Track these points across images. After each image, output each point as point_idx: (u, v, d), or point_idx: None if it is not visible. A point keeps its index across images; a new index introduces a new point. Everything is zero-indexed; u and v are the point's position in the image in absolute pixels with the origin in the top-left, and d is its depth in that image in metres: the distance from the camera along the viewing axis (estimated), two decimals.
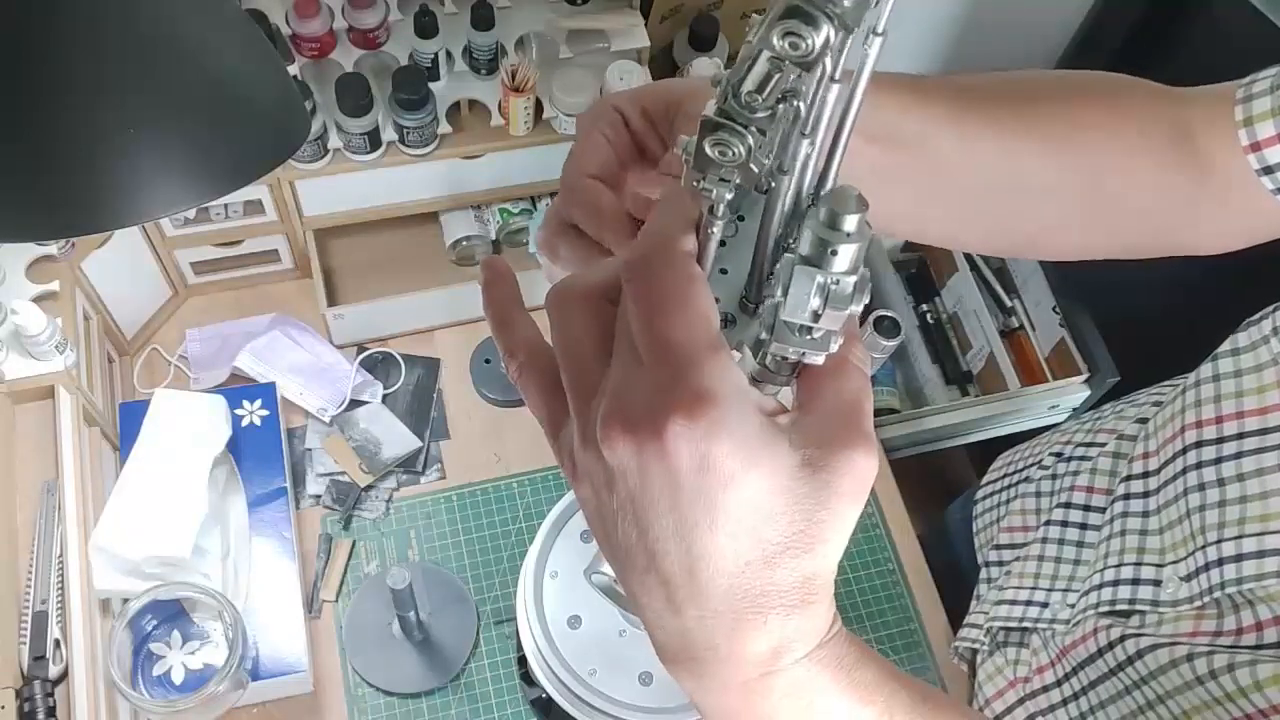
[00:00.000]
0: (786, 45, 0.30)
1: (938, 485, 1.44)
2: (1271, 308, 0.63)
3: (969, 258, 1.54)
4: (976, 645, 0.85)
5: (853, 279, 0.31)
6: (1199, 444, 0.65)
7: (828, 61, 0.30)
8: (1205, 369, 0.66)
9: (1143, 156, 0.58)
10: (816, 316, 0.31)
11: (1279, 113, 0.55)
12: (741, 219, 0.39)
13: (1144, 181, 0.58)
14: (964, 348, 1.53)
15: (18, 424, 0.89)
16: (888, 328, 1.09)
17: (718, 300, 0.37)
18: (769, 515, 0.32)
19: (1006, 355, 1.46)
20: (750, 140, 0.33)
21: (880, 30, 0.29)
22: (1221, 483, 0.62)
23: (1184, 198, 0.58)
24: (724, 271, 0.37)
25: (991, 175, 0.56)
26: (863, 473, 0.33)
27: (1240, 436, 0.62)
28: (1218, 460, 0.63)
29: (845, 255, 0.30)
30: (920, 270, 1.61)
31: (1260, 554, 0.58)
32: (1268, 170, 0.56)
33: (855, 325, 0.36)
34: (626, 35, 1.03)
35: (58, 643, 0.81)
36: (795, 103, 0.32)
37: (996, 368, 1.45)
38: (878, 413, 1.38)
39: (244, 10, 0.81)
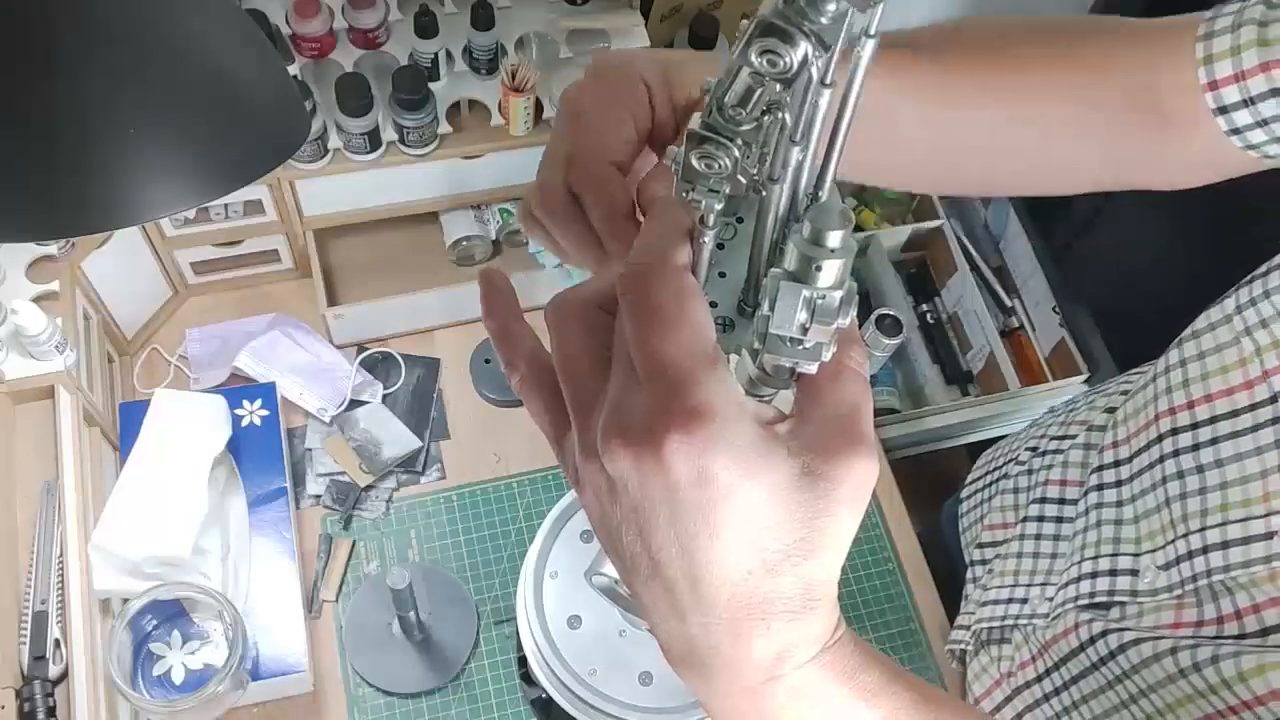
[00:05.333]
0: (765, 63, 0.30)
1: (937, 485, 1.44)
2: (1235, 286, 0.63)
3: (969, 259, 1.54)
4: (964, 646, 0.84)
5: (839, 293, 0.31)
6: (1174, 431, 0.64)
7: (816, 69, 0.30)
8: (1173, 354, 0.66)
9: (1099, 108, 0.58)
10: (805, 330, 0.31)
11: (1237, 52, 0.54)
12: (740, 221, 0.39)
13: (1100, 132, 0.59)
14: (964, 348, 1.54)
15: (18, 424, 0.89)
16: (889, 326, 1.09)
17: (716, 305, 0.37)
18: (769, 524, 0.33)
19: (1006, 355, 1.46)
20: (736, 152, 0.33)
21: (872, 33, 0.29)
22: (1201, 470, 0.61)
23: (1142, 140, 0.59)
24: (722, 275, 0.37)
25: (945, 139, 0.57)
26: (862, 478, 0.33)
27: (1213, 421, 0.61)
28: (1195, 447, 0.62)
29: (830, 270, 0.30)
30: (920, 270, 1.61)
31: (1246, 540, 0.58)
32: (1222, 110, 0.55)
33: (854, 328, 0.35)
34: (626, 35, 1.03)
35: (58, 643, 0.81)
36: (781, 114, 0.31)
37: (996, 368, 1.45)
38: (878, 413, 1.38)
39: (244, 10, 0.81)
